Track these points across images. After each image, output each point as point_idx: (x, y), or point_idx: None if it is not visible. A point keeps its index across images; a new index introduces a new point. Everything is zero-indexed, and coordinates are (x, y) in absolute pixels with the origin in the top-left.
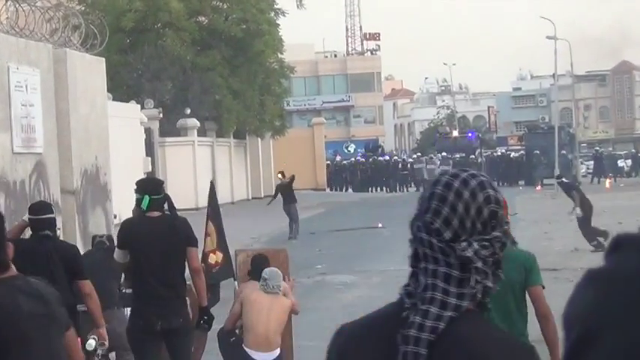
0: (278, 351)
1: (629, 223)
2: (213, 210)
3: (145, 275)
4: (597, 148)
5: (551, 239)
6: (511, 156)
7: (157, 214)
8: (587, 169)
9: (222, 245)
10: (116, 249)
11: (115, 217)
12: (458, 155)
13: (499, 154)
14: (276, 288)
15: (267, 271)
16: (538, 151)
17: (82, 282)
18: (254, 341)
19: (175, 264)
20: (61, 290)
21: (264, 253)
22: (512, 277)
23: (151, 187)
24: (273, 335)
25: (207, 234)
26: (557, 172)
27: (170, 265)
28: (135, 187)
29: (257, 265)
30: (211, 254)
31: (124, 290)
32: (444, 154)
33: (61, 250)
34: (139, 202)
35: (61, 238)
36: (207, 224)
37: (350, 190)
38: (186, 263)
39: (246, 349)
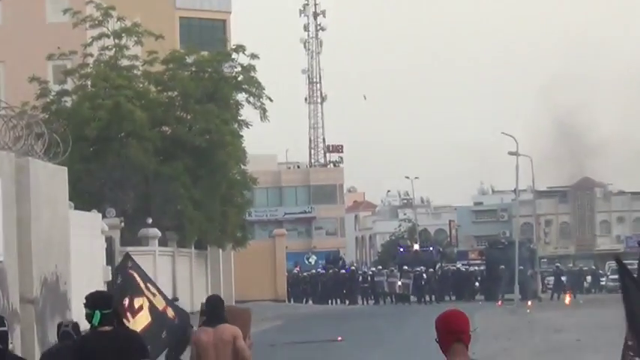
0: None
1: (588, 340)
2: (141, 277)
3: None
4: (557, 264)
5: (510, 356)
6: (468, 270)
7: (108, 328)
8: (548, 284)
9: (168, 301)
10: None
11: None
12: (419, 269)
13: (453, 268)
14: None
15: None
16: (499, 266)
17: None
18: None
19: None
20: None
21: (218, 295)
22: None
23: (101, 302)
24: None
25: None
26: (517, 288)
27: None
28: (84, 301)
29: (211, 306)
30: (167, 309)
31: None
32: (405, 267)
33: None
34: (88, 317)
35: (19, 350)
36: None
37: (310, 302)
38: None
39: None
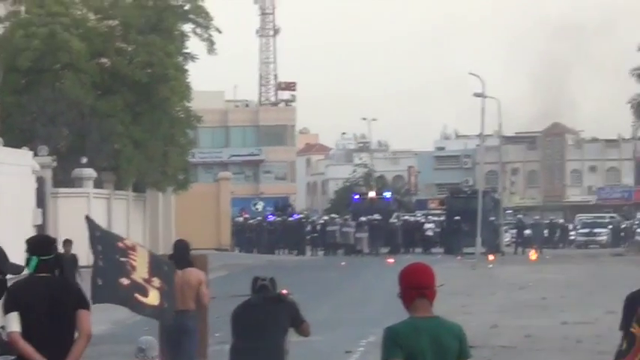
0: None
1: (553, 299)
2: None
3: (34, 339)
4: (520, 216)
5: (469, 314)
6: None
7: (44, 275)
8: (512, 237)
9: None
10: (5, 315)
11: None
12: (375, 218)
13: (406, 219)
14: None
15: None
16: (459, 217)
17: None
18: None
19: (66, 326)
20: None
21: (186, 240)
22: (452, 346)
23: (39, 247)
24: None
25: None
26: (479, 240)
27: (60, 328)
28: (25, 245)
29: (179, 250)
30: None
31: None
32: (361, 218)
33: None
34: (27, 262)
35: None
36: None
37: (255, 251)
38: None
39: None
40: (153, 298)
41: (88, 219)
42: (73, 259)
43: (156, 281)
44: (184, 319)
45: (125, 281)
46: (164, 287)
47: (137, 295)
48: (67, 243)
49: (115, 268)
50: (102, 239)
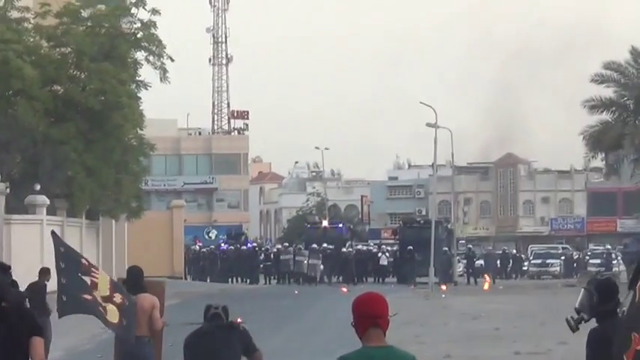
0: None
1: (506, 329)
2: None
3: None
4: (470, 246)
5: (422, 343)
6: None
7: None
8: (464, 267)
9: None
10: None
11: None
12: (328, 247)
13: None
14: None
15: None
16: (412, 247)
17: None
18: None
19: (19, 354)
20: None
21: (138, 266)
22: None
23: None
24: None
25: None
26: (432, 270)
27: (13, 356)
28: None
29: (132, 276)
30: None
31: None
32: (314, 246)
33: None
34: None
35: None
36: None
37: (208, 279)
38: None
39: None
40: (112, 316)
41: (54, 234)
42: (45, 287)
43: (117, 297)
44: (140, 347)
45: (88, 297)
46: (125, 303)
47: (101, 309)
48: (44, 272)
49: (77, 284)
50: (66, 255)
